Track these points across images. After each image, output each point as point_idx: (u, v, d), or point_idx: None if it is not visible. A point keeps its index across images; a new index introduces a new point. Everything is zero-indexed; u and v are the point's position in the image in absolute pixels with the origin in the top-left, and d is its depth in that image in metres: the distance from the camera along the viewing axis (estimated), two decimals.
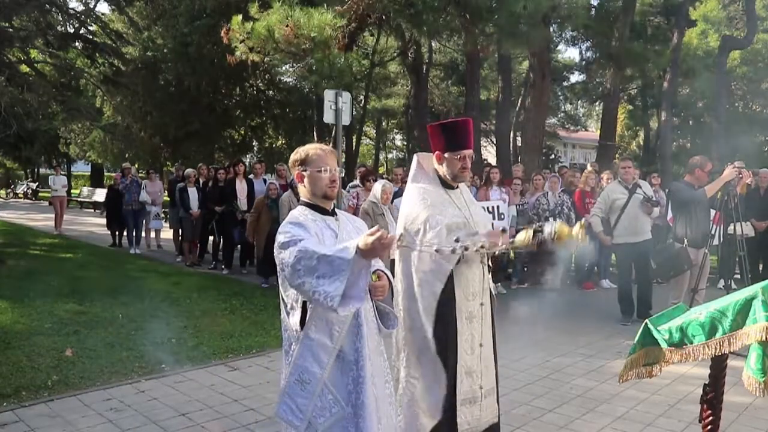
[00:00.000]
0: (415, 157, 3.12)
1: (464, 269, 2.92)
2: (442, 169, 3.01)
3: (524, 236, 2.88)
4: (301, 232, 2.35)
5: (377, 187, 6.75)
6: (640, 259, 6.77)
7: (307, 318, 2.39)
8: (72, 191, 26.40)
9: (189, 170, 10.92)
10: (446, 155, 2.97)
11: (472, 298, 2.96)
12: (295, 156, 2.58)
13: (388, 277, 2.61)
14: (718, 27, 19.52)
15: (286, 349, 2.48)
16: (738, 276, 8.08)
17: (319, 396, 2.39)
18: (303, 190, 2.57)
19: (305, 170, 2.52)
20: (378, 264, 2.66)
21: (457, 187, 3.08)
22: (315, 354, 2.38)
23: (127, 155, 21.96)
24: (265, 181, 10.15)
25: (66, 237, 14.11)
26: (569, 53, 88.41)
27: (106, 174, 33.02)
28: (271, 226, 7.91)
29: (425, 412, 2.94)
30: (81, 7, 18.54)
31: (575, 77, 26.67)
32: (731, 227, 6.91)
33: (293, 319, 2.43)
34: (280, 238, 2.36)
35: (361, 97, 23.69)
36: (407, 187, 3.11)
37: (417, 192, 3.00)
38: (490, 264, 3.16)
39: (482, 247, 2.89)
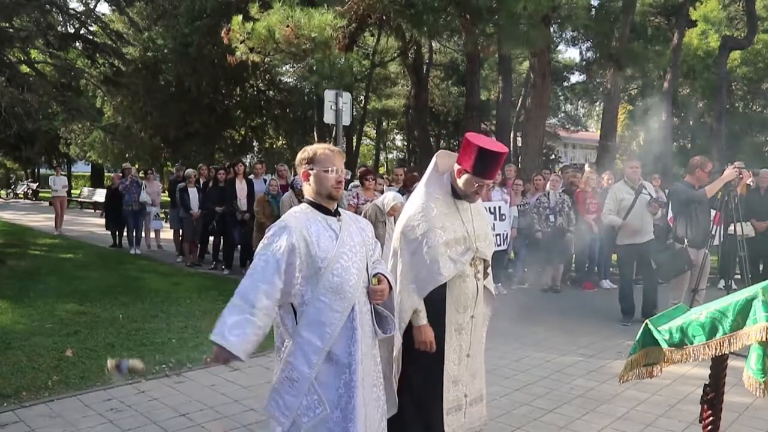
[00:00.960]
0: (435, 156, 3.06)
1: (458, 282, 2.92)
2: (459, 182, 2.95)
3: None
4: (279, 240, 2.40)
5: (389, 197, 6.42)
6: (644, 259, 6.75)
7: (298, 317, 2.41)
8: (72, 191, 26.43)
9: (189, 170, 10.92)
10: (468, 175, 2.90)
11: (462, 311, 2.96)
12: (302, 154, 2.57)
13: (388, 281, 2.60)
14: (719, 27, 19.51)
15: (278, 346, 2.50)
16: (738, 276, 8.08)
17: (306, 395, 2.39)
18: (308, 189, 2.57)
19: (312, 169, 2.52)
20: (380, 267, 2.66)
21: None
22: (305, 353, 2.38)
23: (127, 155, 21.96)
24: (265, 181, 10.15)
25: (66, 237, 14.12)
26: (569, 53, 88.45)
27: (106, 174, 33.07)
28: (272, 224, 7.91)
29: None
30: (81, 8, 18.57)
31: (575, 77, 26.71)
32: (731, 227, 6.90)
33: (287, 318, 2.45)
34: (267, 235, 2.45)
35: (362, 98, 23.71)
36: (417, 188, 3.09)
37: (424, 198, 2.96)
38: (489, 272, 3.14)
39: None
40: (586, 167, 11.02)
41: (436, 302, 2.89)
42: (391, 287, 2.61)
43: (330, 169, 2.50)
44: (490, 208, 7.91)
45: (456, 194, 2.99)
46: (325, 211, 2.53)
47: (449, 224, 2.91)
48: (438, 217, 2.90)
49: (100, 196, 22.02)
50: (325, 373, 2.40)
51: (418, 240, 2.88)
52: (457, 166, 2.95)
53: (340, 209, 2.60)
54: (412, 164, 24.03)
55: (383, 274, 2.58)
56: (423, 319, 2.87)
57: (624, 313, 6.88)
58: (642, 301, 6.76)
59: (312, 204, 2.54)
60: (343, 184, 2.58)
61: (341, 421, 2.38)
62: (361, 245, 2.54)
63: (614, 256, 9.79)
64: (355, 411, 2.37)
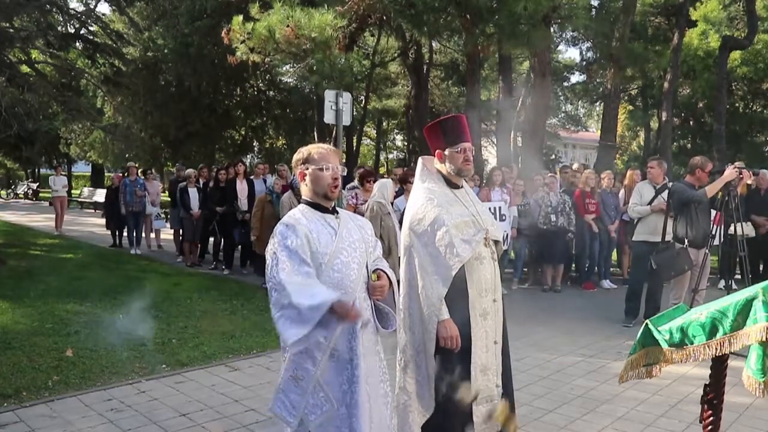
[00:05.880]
0: (420, 160, 3.14)
1: (476, 265, 2.90)
2: (445, 168, 3.02)
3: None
4: (291, 236, 2.39)
5: (386, 187, 6.57)
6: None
7: None
8: (72, 191, 26.45)
9: (189, 170, 10.93)
10: (447, 152, 2.99)
11: (484, 294, 2.93)
12: (297, 155, 2.61)
13: (388, 277, 2.60)
14: (719, 27, 19.50)
15: (283, 346, 2.50)
16: (738, 276, 8.08)
17: (312, 393, 2.40)
18: (305, 189, 2.59)
19: (307, 168, 2.54)
20: (381, 264, 2.66)
21: (462, 187, 3.09)
22: (309, 351, 2.38)
23: (127, 155, 21.99)
24: (265, 181, 10.15)
25: (66, 237, 14.12)
26: (570, 53, 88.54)
27: (106, 174, 33.08)
28: (274, 223, 7.92)
29: (418, 410, 2.94)
30: (82, 8, 18.57)
31: (576, 77, 26.68)
32: (732, 228, 6.90)
33: None
34: (272, 241, 2.43)
35: (362, 98, 23.69)
36: (414, 188, 3.11)
37: (423, 192, 2.99)
38: None
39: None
40: (574, 166, 11.02)
41: (458, 288, 2.86)
42: (391, 283, 2.61)
43: (325, 167, 2.52)
44: (490, 209, 7.90)
45: (451, 184, 3.03)
46: (323, 209, 2.55)
47: (453, 210, 2.93)
48: (442, 205, 2.92)
49: (100, 196, 22.04)
50: (328, 370, 2.40)
51: (427, 231, 2.88)
52: (436, 154, 3.05)
53: (338, 208, 2.62)
54: (412, 164, 23.98)
55: (383, 271, 2.59)
56: (445, 313, 2.82)
57: (627, 313, 6.86)
58: (645, 303, 6.73)
59: (309, 203, 2.56)
60: (340, 181, 2.58)
61: (347, 417, 2.39)
62: (360, 241, 2.56)
63: (614, 256, 9.82)
64: (359, 406, 2.38)
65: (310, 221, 2.48)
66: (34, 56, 15.17)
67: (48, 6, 13.00)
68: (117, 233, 12.60)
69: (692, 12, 18.51)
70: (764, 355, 2.17)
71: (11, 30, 12.11)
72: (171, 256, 11.37)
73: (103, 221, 14.85)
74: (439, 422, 2.90)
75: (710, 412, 2.44)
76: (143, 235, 12.28)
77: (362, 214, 6.37)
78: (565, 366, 5.23)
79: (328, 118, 8.54)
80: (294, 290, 2.24)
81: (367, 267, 2.56)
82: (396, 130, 34.84)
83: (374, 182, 7.66)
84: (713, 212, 6.40)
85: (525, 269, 9.43)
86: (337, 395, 2.40)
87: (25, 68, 13.71)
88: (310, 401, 2.39)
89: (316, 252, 2.41)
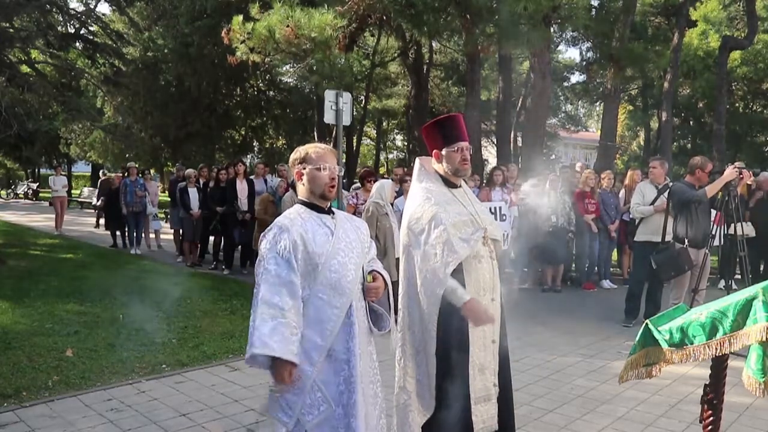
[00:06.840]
0: (417, 160, 3.13)
1: (474, 264, 2.89)
2: (443, 167, 3.01)
3: None
4: (282, 239, 2.39)
5: (383, 188, 6.59)
6: None
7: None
8: (72, 192, 26.45)
9: (189, 170, 10.93)
10: (444, 151, 2.98)
11: (483, 294, 2.91)
12: (294, 155, 2.60)
13: (384, 278, 2.60)
14: (719, 27, 19.53)
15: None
16: (738, 276, 8.08)
17: (309, 393, 2.39)
18: (301, 189, 2.58)
19: (305, 168, 2.53)
20: (375, 264, 2.66)
21: (460, 186, 3.09)
22: (306, 351, 2.38)
23: (127, 155, 21.99)
24: (266, 181, 10.15)
25: (66, 237, 14.12)
26: (570, 53, 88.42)
27: (100, 173, 33.10)
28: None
29: (418, 410, 2.94)
30: (82, 8, 18.55)
31: (576, 77, 26.73)
32: (732, 227, 6.90)
33: None
34: (263, 241, 2.44)
35: (362, 98, 23.69)
36: (411, 187, 3.11)
37: (421, 191, 2.99)
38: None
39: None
40: (577, 166, 11.02)
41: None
42: (386, 284, 2.61)
43: (322, 166, 2.50)
44: (490, 209, 7.90)
45: (449, 184, 3.03)
46: (319, 209, 2.54)
47: (451, 209, 2.92)
48: (440, 204, 2.92)
49: None
50: (324, 370, 2.40)
51: (425, 230, 2.87)
52: (434, 154, 3.04)
53: (333, 209, 2.62)
54: (412, 164, 23.92)
55: (378, 272, 2.59)
56: (466, 294, 2.79)
57: (627, 313, 6.85)
58: (645, 303, 6.73)
59: (305, 203, 2.55)
60: (336, 181, 2.57)
61: (343, 418, 2.39)
62: (357, 242, 2.56)
63: (614, 256, 9.82)
64: (356, 406, 2.38)
65: (305, 221, 2.47)
66: (34, 56, 15.16)
67: (48, 6, 12.99)
68: (117, 233, 12.58)
69: (692, 12, 18.52)
70: (764, 355, 2.17)
71: (11, 30, 12.11)
72: (171, 256, 11.37)
73: (101, 221, 14.85)
74: (439, 422, 2.90)
75: (710, 412, 2.44)
76: (143, 235, 12.28)
77: (362, 214, 6.40)
78: (565, 366, 5.23)
79: (328, 118, 8.53)
80: (259, 316, 2.35)
81: (362, 268, 2.56)
82: (396, 130, 34.85)
83: (375, 182, 7.68)
84: (713, 212, 6.40)
85: (525, 269, 9.42)
86: (333, 395, 2.40)
87: (25, 68, 13.70)
88: (306, 401, 2.39)
89: (312, 253, 2.40)
